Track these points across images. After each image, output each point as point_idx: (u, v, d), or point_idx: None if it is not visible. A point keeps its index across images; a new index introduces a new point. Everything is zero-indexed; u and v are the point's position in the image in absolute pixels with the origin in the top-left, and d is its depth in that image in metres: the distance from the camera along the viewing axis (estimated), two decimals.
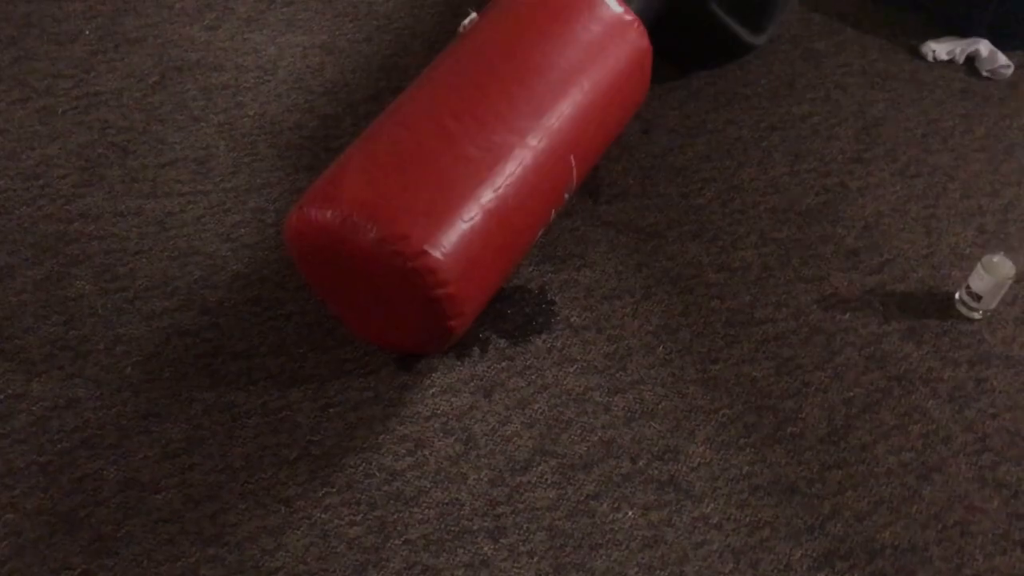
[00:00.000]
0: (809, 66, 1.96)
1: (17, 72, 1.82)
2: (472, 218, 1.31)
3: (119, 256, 1.54)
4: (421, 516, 1.30)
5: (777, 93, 1.90)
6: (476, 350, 1.47)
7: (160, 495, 1.30)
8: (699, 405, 1.43)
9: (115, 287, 1.50)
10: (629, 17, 1.55)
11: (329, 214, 1.28)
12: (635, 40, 1.55)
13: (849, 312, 1.56)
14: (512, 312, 1.52)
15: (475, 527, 1.29)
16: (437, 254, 1.27)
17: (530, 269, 1.58)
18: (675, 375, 1.46)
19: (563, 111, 1.44)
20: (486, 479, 1.34)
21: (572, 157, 1.45)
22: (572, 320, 1.52)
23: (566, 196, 1.49)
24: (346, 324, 1.45)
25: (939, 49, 2.01)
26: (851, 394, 1.46)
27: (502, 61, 1.44)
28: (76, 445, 1.34)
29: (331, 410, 1.39)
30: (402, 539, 1.28)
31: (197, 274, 1.53)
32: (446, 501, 1.31)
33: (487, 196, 1.33)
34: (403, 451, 1.36)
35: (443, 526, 1.29)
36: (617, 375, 1.45)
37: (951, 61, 2.01)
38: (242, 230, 1.59)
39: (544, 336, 1.50)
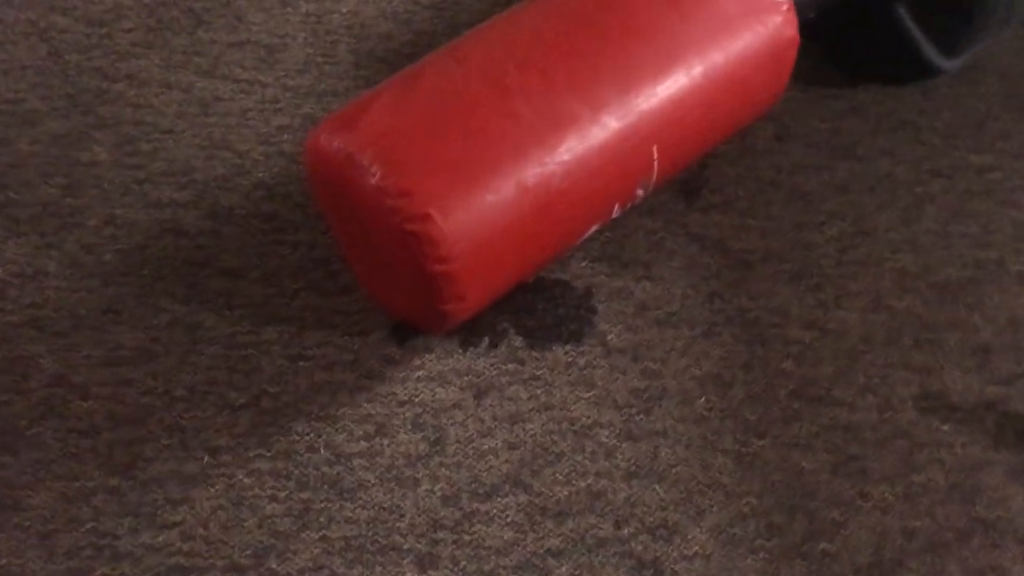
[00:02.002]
0: (1010, 109, 1.59)
1: None
2: (501, 191, 1.08)
3: (148, 130, 1.40)
4: (351, 515, 1.11)
5: (958, 133, 1.55)
6: (486, 340, 1.25)
7: (87, 403, 1.16)
8: (722, 483, 1.17)
9: (131, 163, 1.37)
10: None
11: (337, 144, 1.08)
12: (779, 27, 1.25)
13: (952, 423, 1.24)
14: (543, 308, 1.29)
15: (406, 546, 1.09)
16: (443, 223, 1.05)
17: (582, 264, 1.33)
18: (707, 439, 1.20)
19: (658, 92, 1.17)
20: (439, 494, 1.13)
21: (656, 148, 1.19)
22: (609, 338, 1.27)
23: (639, 192, 1.23)
24: (352, 270, 1.26)
25: None
26: (917, 524, 1.16)
27: (600, 17, 1.18)
28: (25, 321, 1.22)
29: (301, 363, 1.21)
30: (320, 534, 1.09)
31: (220, 171, 1.37)
32: (385, 505, 1.12)
33: (529, 170, 1.10)
34: (360, 433, 1.16)
35: (370, 534, 1.10)
36: (637, 418, 1.21)
37: None
38: (285, 136, 1.42)
39: (569, 347, 1.26)
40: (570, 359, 1.25)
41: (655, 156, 1.19)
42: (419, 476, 1.14)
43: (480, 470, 1.15)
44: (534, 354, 1.25)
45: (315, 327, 1.24)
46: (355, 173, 1.06)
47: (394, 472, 1.14)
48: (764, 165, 1.47)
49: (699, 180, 1.44)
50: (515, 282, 1.20)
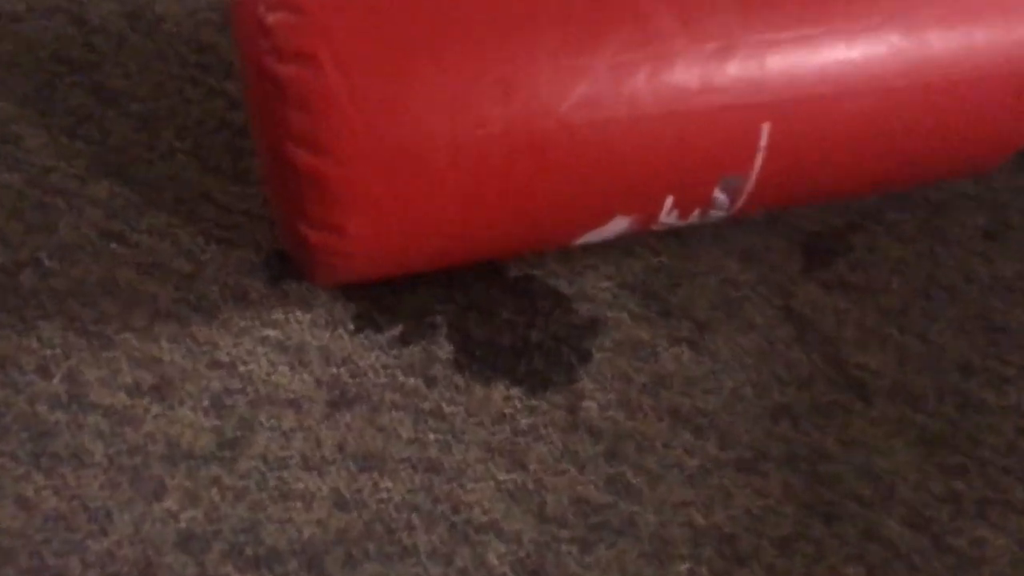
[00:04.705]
0: None
1: None
2: (465, 74, 0.61)
3: None
4: (30, 496, 0.66)
5: None
6: (398, 329, 0.78)
7: None
8: None
9: None
10: None
11: None
12: None
13: None
14: (508, 319, 0.80)
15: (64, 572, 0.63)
16: (334, 78, 0.59)
17: (603, 284, 0.84)
18: None
19: (817, 44, 0.67)
20: (183, 528, 0.66)
21: (768, 128, 0.69)
22: (586, 406, 0.77)
23: (718, 197, 0.73)
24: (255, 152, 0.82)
25: None
26: None
27: None
28: None
29: (114, 245, 0.78)
30: None
31: None
32: (92, 505, 0.66)
33: (528, 68, 0.62)
34: (129, 380, 0.72)
35: (39, 539, 0.64)
36: (566, 548, 0.70)
37: None
38: None
39: (517, 393, 0.77)
40: (509, 410, 0.76)
41: (763, 140, 0.69)
42: (171, 484, 0.68)
43: (271, 519, 0.68)
44: (457, 380, 0.76)
45: (168, 208, 0.80)
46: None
47: (139, 460, 0.68)
48: (950, 261, 0.93)
49: (837, 240, 0.91)
50: (448, 255, 0.72)
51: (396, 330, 0.78)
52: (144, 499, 0.67)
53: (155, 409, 0.70)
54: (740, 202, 0.74)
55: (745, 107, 0.67)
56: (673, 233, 0.87)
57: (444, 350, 0.77)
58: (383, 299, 0.79)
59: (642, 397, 0.78)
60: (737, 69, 0.65)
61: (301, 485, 0.69)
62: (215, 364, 0.73)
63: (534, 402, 0.76)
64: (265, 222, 0.81)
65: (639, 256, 0.86)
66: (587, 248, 0.85)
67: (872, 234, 0.93)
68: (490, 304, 0.81)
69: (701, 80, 0.65)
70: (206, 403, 0.71)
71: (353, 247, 0.66)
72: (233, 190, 0.82)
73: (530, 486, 0.73)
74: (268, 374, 0.74)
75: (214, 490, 0.68)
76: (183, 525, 0.66)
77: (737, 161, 0.69)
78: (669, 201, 0.71)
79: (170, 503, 0.67)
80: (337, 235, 0.64)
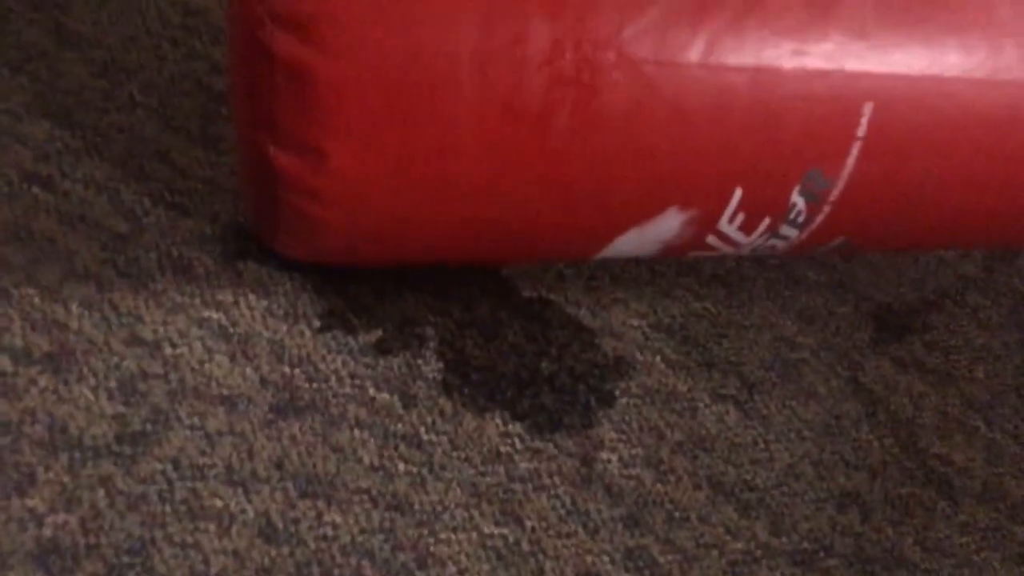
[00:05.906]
0: None
1: None
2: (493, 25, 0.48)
3: None
4: None
5: None
6: (375, 334, 0.61)
7: None
8: None
9: None
10: None
11: None
12: None
13: None
14: (514, 344, 0.64)
15: None
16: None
17: (634, 322, 0.68)
18: None
19: (950, 23, 0.55)
20: (46, 535, 0.48)
21: (870, 110, 0.55)
22: (605, 457, 0.60)
23: (794, 202, 0.58)
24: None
25: None
26: None
27: None
28: None
29: (37, 190, 0.62)
30: None
31: None
32: None
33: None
34: (17, 345, 0.54)
35: None
36: None
37: None
38: None
39: (517, 429, 0.60)
40: (506, 449, 0.59)
41: (862, 128, 0.55)
42: (43, 478, 0.50)
43: (171, 540, 0.49)
44: (444, 404, 0.59)
45: (114, 161, 0.65)
46: None
47: (6, 441, 0.50)
48: None
49: (912, 316, 0.77)
50: (454, 235, 0.56)
51: (373, 335, 0.61)
52: (2, 492, 0.49)
53: (44, 382, 0.53)
54: (819, 218, 0.59)
55: (846, 77, 0.53)
56: (719, 279, 0.73)
57: (431, 367, 0.61)
58: (362, 299, 0.63)
59: (676, 458, 0.61)
60: (843, 25, 0.52)
61: (219, 503, 0.51)
62: (134, 340, 0.56)
63: (539, 444, 0.59)
64: (229, 194, 0.66)
65: (678, 298, 0.71)
66: (616, 279, 0.70)
67: (952, 316, 0.78)
68: (495, 324, 0.65)
69: (797, 31, 0.52)
70: (112, 384, 0.54)
71: (331, 187, 0.50)
72: (196, 154, 0.67)
73: (524, 546, 0.55)
74: (201, 362, 0.57)
75: (100, 492, 0.50)
76: (47, 532, 0.48)
77: (827, 151, 0.55)
78: (737, 196, 0.56)
79: (36, 502, 0.49)
80: (313, 160, 0.49)
